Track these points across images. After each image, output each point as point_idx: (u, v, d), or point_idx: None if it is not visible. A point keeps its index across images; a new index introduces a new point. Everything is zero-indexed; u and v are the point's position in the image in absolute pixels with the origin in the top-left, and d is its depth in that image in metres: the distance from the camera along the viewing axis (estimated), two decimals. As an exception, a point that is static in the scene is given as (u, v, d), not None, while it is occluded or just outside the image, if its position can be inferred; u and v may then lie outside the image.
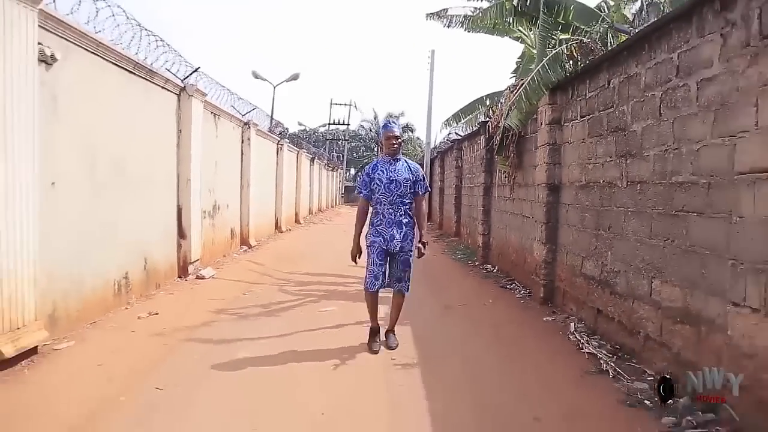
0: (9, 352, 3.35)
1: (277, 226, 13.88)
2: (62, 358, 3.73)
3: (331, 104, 35.86)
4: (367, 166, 4.32)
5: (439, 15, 9.06)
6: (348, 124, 38.51)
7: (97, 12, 4.42)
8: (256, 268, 8.13)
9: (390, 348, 4.21)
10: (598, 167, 4.95)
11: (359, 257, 4.25)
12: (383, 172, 4.14)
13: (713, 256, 3.12)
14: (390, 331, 4.37)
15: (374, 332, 4.27)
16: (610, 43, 5.95)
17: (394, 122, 4.42)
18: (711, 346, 3.09)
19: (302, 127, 43.68)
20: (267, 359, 3.92)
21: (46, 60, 3.81)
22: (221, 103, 8.66)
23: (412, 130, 44.04)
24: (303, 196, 18.92)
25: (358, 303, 5.08)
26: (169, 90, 6.36)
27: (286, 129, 17.93)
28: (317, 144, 37.00)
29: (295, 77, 19.45)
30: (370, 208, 4.26)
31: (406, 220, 4.18)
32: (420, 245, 4.21)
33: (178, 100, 6.62)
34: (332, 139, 40.30)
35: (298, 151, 17.90)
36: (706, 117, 3.33)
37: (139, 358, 3.81)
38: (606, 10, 7.25)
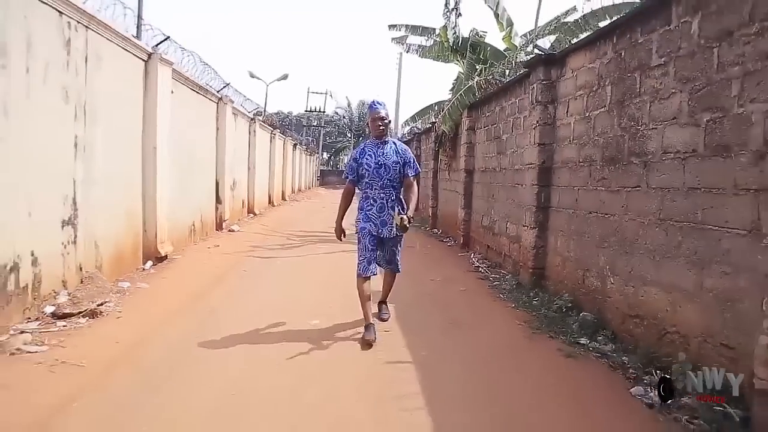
0: (162, 253, 6.37)
1: (270, 201, 16.81)
2: (182, 261, 6.74)
3: (308, 93, 38.61)
4: (355, 150, 4.16)
5: (400, 41, 12.14)
6: (324, 111, 41.27)
7: (189, 60, 7.37)
8: (265, 227, 11.17)
9: (382, 319, 4.27)
10: (489, 159, 8.17)
11: (344, 236, 4.18)
12: (371, 157, 3.98)
13: (525, 206, 6.35)
14: (382, 302, 4.47)
15: (368, 327, 3.96)
16: (506, 78, 9.13)
17: (379, 103, 4.08)
18: (522, 251, 6.33)
19: (277, 113, 46.13)
20: (293, 262, 7.10)
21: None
22: (236, 104, 11.53)
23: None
24: (288, 177, 21.80)
25: (342, 244, 8.01)
26: (213, 101, 9.29)
27: (276, 120, 20.72)
28: (294, 129, 39.58)
29: (284, 77, 22.32)
30: (359, 192, 4.14)
31: (397, 205, 4.02)
32: (405, 216, 3.81)
33: (217, 107, 9.55)
34: (308, 125, 42.98)
35: (285, 139, 20.73)
36: (526, 135, 6.54)
37: (224, 261, 6.87)
38: (513, 49, 10.45)
